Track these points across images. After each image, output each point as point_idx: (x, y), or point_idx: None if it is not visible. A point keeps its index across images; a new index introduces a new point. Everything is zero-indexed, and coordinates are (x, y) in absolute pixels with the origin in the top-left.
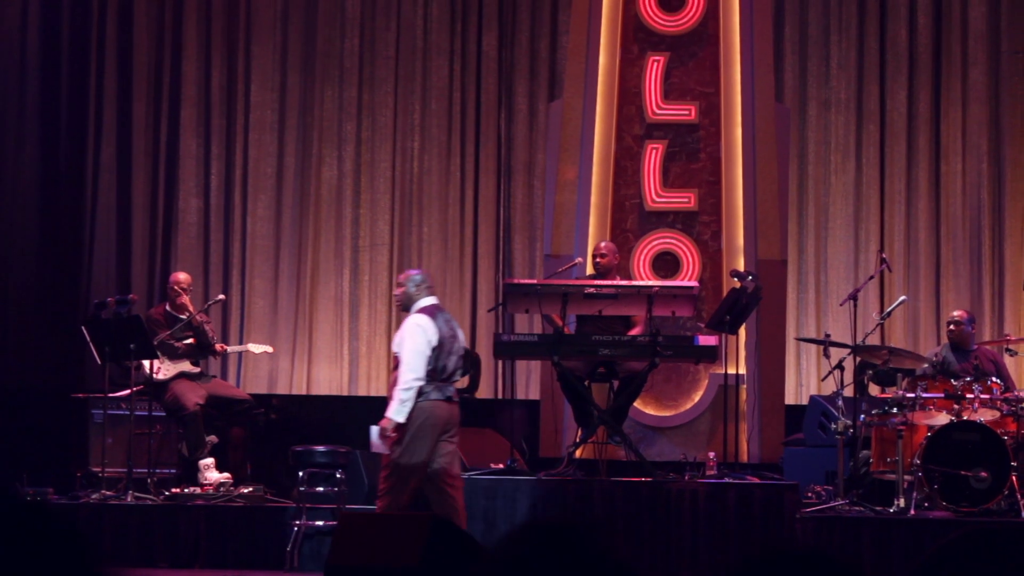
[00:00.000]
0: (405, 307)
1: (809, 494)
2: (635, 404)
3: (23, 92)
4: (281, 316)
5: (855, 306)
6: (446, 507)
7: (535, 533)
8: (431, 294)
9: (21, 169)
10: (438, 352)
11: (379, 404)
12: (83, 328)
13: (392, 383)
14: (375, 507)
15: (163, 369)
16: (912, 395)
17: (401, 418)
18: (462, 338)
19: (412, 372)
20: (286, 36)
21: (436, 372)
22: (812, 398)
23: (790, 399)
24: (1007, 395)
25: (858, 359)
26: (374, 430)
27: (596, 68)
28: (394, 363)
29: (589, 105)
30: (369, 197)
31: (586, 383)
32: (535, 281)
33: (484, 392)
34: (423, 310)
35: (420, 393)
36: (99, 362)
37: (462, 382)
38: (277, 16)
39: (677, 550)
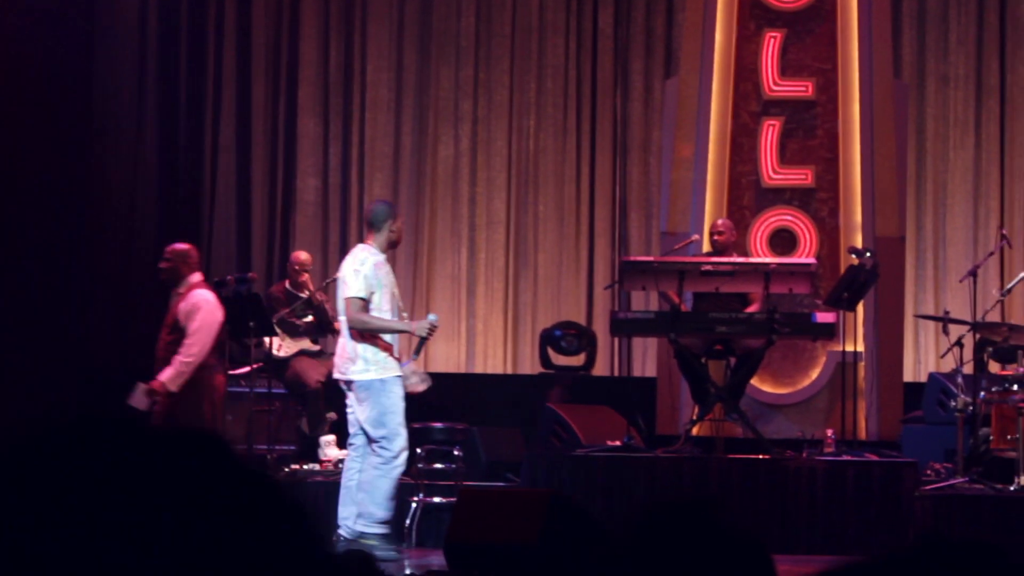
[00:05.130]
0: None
1: (928, 472)
2: (752, 381)
3: (142, 73)
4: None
5: (974, 283)
6: None
7: (661, 512)
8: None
9: (140, 149)
10: None
11: (497, 381)
12: None
13: None
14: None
15: (284, 347)
16: None
17: None
18: None
19: None
20: (402, 15)
21: None
22: (931, 375)
23: (908, 376)
24: None
25: (978, 336)
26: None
27: (712, 45)
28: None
29: (705, 82)
30: (485, 176)
31: (703, 360)
32: (652, 259)
33: (600, 370)
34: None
35: None
36: None
37: (578, 359)
38: None
39: (794, 528)
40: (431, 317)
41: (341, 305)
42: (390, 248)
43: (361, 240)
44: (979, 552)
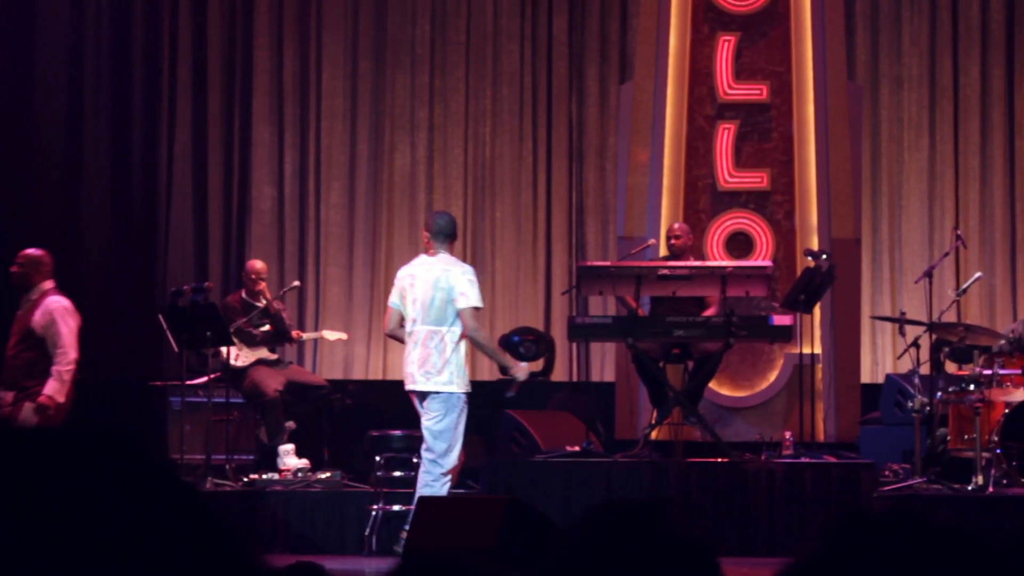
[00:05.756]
0: None
1: (886, 473)
2: (710, 385)
3: (97, 83)
4: (356, 302)
5: (930, 283)
6: None
7: (608, 513)
8: None
9: (95, 159)
10: None
11: None
12: (160, 316)
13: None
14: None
15: (241, 356)
16: (989, 372)
17: None
18: None
19: None
20: (357, 23)
21: None
22: (888, 376)
23: (866, 378)
24: None
25: (934, 336)
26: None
27: (667, 49)
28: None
29: (660, 87)
30: (442, 183)
31: (661, 364)
32: (609, 263)
33: (559, 375)
34: None
35: None
36: (176, 350)
37: (537, 365)
38: (348, 3)
39: (754, 531)
40: (526, 365)
41: (418, 313)
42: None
43: (318, 247)
44: (904, 522)
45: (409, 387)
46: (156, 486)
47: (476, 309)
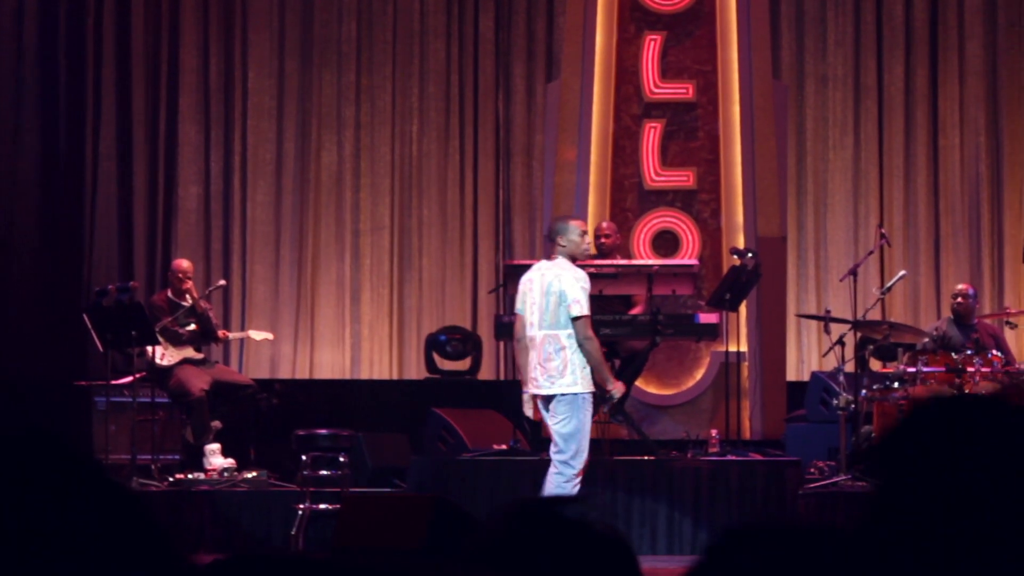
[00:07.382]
0: None
1: (812, 470)
2: (637, 383)
3: (20, 81)
4: (283, 301)
5: (855, 281)
6: None
7: (522, 508)
8: None
9: (20, 158)
10: None
11: (383, 387)
12: (84, 316)
13: None
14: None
15: (167, 355)
16: (913, 369)
17: None
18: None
19: None
20: (283, 22)
21: None
22: (813, 374)
23: (791, 375)
24: (1007, 368)
25: (859, 334)
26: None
27: (593, 48)
28: None
29: (587, 85)
30: (369, 181)
31: None
32: (535, 262)
33: (486, 373)
34: None
35: None
36: (101, 349)
37: (463, 364)
38: (274, 2)
39: (679, 528)
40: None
41: (535, 317)
42: (571, 260)
43: (244, 246)
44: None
45: (532, 391)
46: (83, 485)
47: (589, 318)
